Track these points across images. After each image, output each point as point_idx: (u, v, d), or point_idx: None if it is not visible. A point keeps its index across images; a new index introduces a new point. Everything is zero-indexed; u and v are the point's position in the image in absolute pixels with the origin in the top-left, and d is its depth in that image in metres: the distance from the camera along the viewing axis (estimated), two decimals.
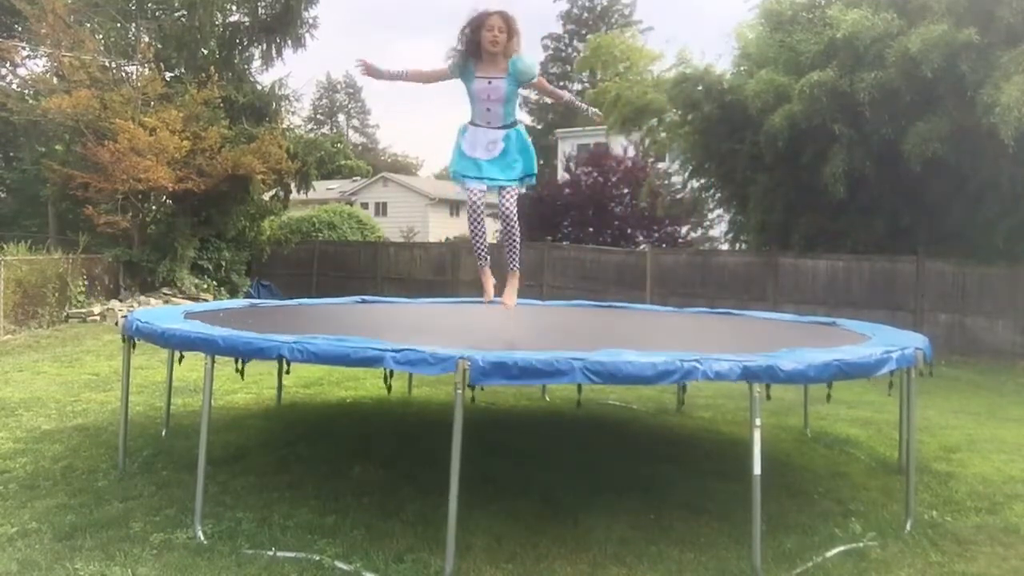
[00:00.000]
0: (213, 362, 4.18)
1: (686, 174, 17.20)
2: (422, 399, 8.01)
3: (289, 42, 18.79)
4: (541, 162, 44.27)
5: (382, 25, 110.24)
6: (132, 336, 5.07)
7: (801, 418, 7.16)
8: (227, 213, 17.82)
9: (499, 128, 4.13)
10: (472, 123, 4.17)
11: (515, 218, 4.23)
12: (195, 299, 15.82)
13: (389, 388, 6.20)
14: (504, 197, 4.19)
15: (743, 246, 16.66)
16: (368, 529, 4.19)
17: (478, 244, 4.40)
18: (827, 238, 14.24)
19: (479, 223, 4.27)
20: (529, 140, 4.28)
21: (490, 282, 4.49)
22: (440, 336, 4.94)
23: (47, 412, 6.99)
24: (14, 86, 18.58)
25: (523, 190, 4.24)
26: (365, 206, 35.31)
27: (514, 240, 4.31)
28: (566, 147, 30.51)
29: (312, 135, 27.19)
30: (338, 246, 22.01)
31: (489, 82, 3.99)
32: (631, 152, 23.30)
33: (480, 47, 3.97)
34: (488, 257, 4.46)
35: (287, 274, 20.94)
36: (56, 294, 14.02)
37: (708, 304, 12.64)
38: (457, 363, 3.50)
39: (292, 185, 18.86)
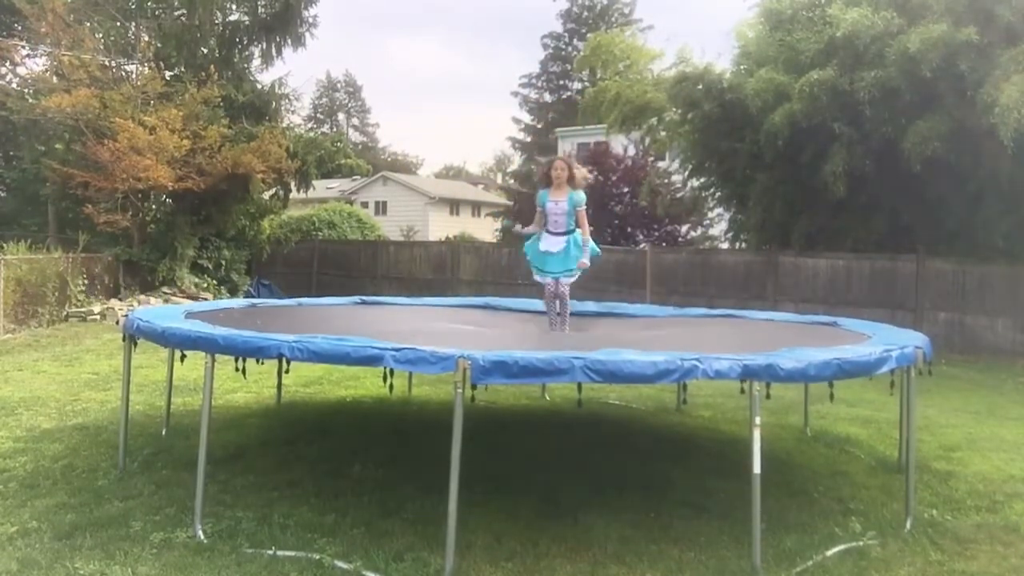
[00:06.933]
0: (213, 361, 4.18)
1: (686, 173, 17.17)
2: (422, 398, 8.02)
3: (289, 41, 18.76)
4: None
5: (381, 24, 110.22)
6: (133, 335, 5.07)
7: (801, 417, 7.17)
8: (227, 212, 17.81)
9: (562, 234, 6.06)
10: (546, 231, 6.11)
11: (567, 298, 6.17)
12: (195, 298, 15.81)
13: (391, 387, 6.20)
14: (561, 285, 6.10)
15: (743, 245, 16.64)
16: (368, 528, 4.19)
17: (550, 316, 6.31)
18: (827, 237, 14.23)
19: (549, 305, 6.32)
20: (582, 241, 6.04)
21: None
22: (440, 335, 4.94)
23: (47, 411, 6.99)
24: (14, 85, 18.57)
25: (581, 272, 6.12)
26: (365, 205, 35.33)
27: (566, 310, 6.22)
28: (566, 145, 30.47)
29: (312, 134, 27.09)
30: (338, 245, 22.02)
31: (556, 203, 6.04)
32: (631, 151, 23.26)
33: (550, 179, 6.08)
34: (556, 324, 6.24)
35: (287, 273, 20.95)
36: (56, 293, 14.02)
37: (708, 303, 12.65)
38: (457, 362, 3.50)
39: (292, 184, 18.84)
